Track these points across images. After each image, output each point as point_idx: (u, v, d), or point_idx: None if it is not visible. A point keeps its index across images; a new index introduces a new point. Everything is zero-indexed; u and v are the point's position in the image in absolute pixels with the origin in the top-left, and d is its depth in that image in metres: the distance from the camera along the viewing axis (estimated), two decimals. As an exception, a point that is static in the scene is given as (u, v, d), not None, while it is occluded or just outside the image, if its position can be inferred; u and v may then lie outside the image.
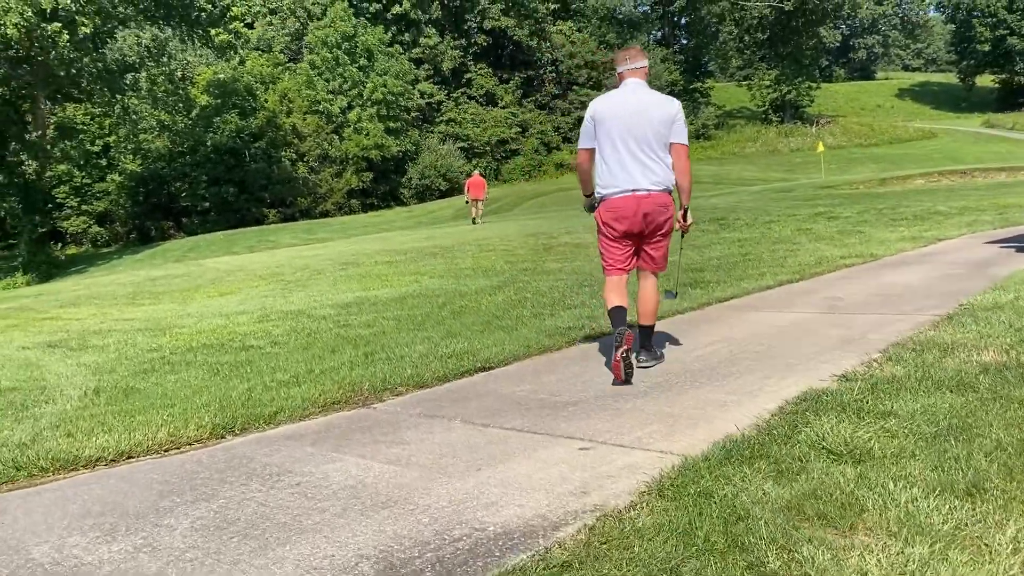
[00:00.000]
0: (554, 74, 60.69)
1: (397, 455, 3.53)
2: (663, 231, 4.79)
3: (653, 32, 70.18)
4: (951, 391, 3.61)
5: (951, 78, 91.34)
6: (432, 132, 53.15)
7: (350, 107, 47.16)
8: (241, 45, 39.25)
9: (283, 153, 45.00)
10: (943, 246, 10.21)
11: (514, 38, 56.52)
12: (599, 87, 59.08)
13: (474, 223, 26.76)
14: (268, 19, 51.43)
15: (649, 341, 4.97)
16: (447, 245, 18.25)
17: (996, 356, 4.15)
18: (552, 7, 59.93)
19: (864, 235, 12.66)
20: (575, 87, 59.45)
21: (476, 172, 31.37)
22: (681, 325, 6.17)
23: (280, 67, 48.27)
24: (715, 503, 2.60)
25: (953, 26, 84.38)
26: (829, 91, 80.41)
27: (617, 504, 2.73)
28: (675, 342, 5.56)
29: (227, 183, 43.32)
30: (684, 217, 4.93)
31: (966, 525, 2.34)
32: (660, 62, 61.33)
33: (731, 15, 68.65)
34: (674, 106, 4.73)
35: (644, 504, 2.68)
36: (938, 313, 5.68)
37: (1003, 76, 77.16)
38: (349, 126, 46.57)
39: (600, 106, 4.78)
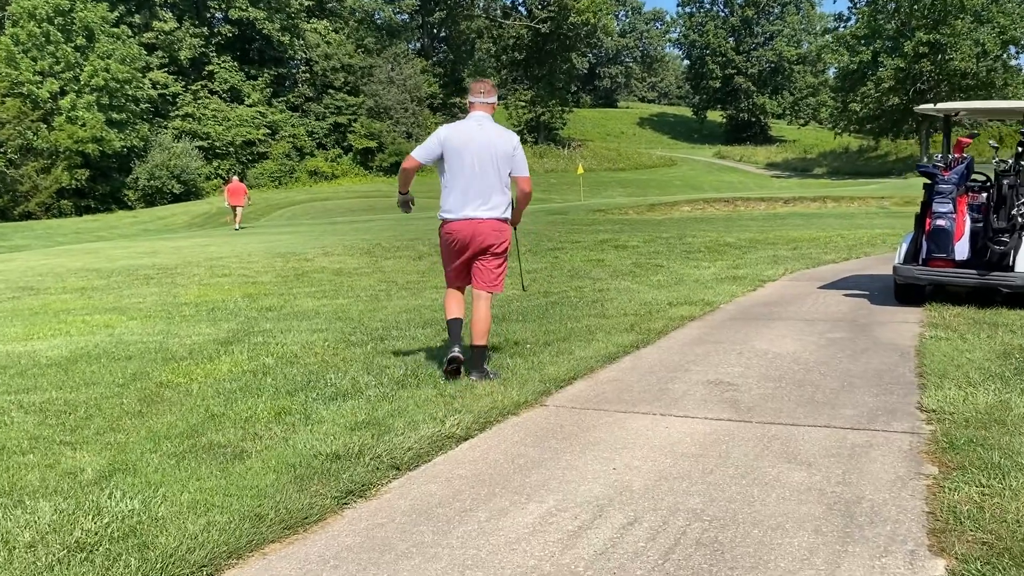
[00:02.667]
0: (308, 74, 56.76)
1: None
2: (496, 251, 5.02)
3: (413, 42, 68.30)
4: None
5: (685, 111, 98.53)
6: (165, 128, 47.25)
7: (63, 92, 40.42)
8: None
9: (-28, 141, 37.45)
10: (776, 292, 8.76)
11: (264, 31, 51.98)
12: (357, 92, 56.09)
13: (236, 230, 26.62)
14: (-42, -20, 43.06)
15: (480, 361, 5.11)
16: (170, 265, 14.66)
17: None
18: (306, 3, 56.06)
19: (666, 271, 11.14)
20: (331, 90, 55.95)
21: (235, 178, 31.08)
22: (526, 449, 3.77)
23: (-28, 39, 40.33)
24: None
25: (688, 63, 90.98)
26: (579, 115, 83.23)
27: None
28: (533, 492, 3.15)
29: None
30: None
31: None
32: (420, 73, 59.59)
33: (489, 32, 68.59)
34: (513, 141, 5.08)
35: None
36: (904, 427, 3.80)
37: (730, 112, 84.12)
38: (61, 114, 39.84)
39: (450, 133, 5.07)
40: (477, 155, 4.90)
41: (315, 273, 12.72)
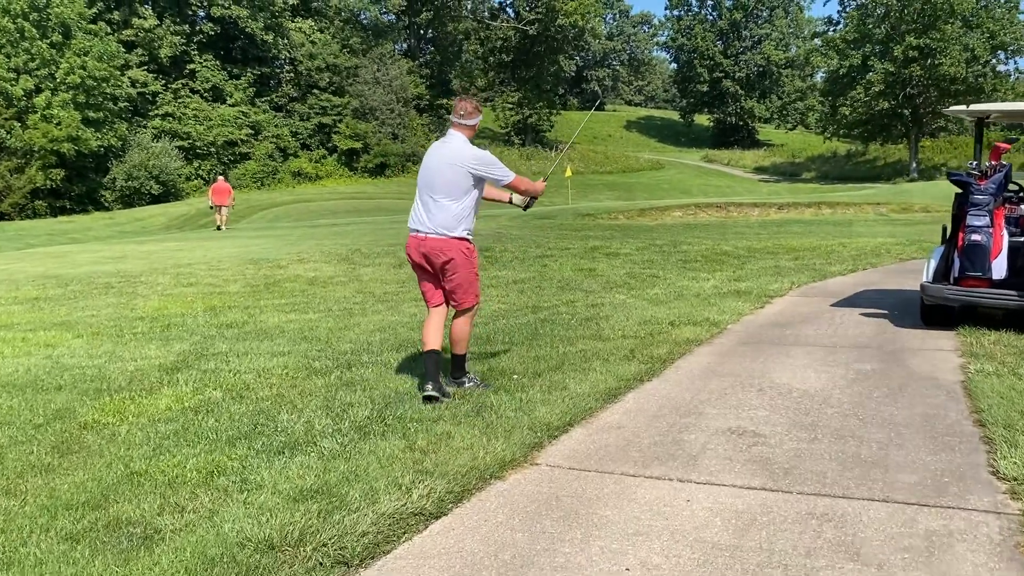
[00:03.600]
0: (292, 74, 55.71)
1: None
2: (450, 272, 4.95)
3: (399, 43, 67.35)
4: None
5: (672, 114, 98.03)
6: (145, 127, 46.10)
7: (38, 90, 39.27)
8: None
9: (-58, 139, 36.25)
10: (786, 310, 8.02)
11: (247, 30, 50.89)
12: (342, 93, 55.13)
13: (219, 229, 26.66)
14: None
15: (457, 369, 5.11)
16: (135, 272, 13.79)
17: None
18: (291, 2, 55.02)
19: (663, 282, 10.40)
20: (315, 90, 54.92)
21: (220, 178, 30.74)
22: (513, 535, 2.99)
23: (-56, 34, 39.07)
24: None
25: (676, 66, 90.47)
26: (566, 118, 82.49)
27: None
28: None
29: None
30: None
31: None
32: (406, 74, 58.68)
33: (477, 34, 67.79)
34: (465, 158, 4.94)
35: None
36: (984, 503, 3.07)
37: (717, 115, 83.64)
38: (36, 112, 38.68)
39: (428, 150, 5.26)
40: (429, 171, 5.01)
41: (287, 282, 11.90)
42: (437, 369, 4.87)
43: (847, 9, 63.73)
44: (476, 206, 5.07)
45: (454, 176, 4.90)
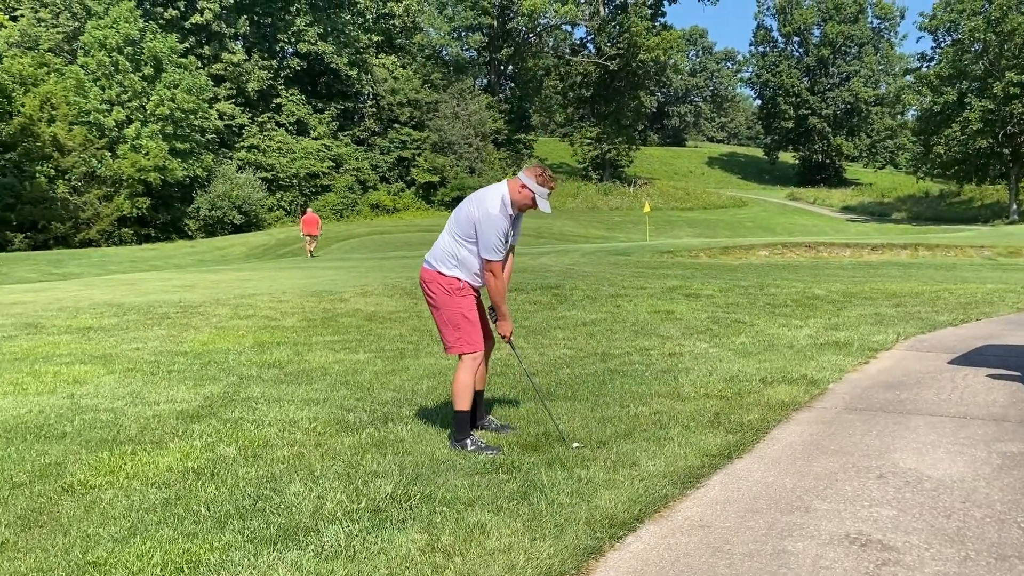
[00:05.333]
0: (374, 109, 56.45)
1: None
2: (432, 307, 4.82)
3: (479, 78, 67.76)
4: None
5: (756, 151, 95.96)
6: (230, 158, 47.13)
7: (129, 121, 40.52)
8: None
9: (39, 168, 37.57)
10: (896, 366, 6.94)
11: (332, 66, 51.87)
12: (422, 127, 55.53)
13: (312, 256, 28.85)
14: (36, 11, 43.88)
15: (458, 429, 4.56)
16: (197, 302, 13.44)
17: None
18: (376, 39, 55.93)
19: (750, 329, 9.38)
20: (396, 124, 55.47)
21: (309, 209, 33.46)
22: None
23: (45, 68, 40.77)
24: None
25: (760, 102, 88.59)
26: (645, 153, 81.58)
27: None
28: None
29: (-40, 199, 35.48)
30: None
31: None
32: (485, 109, 58.81)
33: (557, 69, 67.68)
34: (484, 204, 4.64)
35: None
36: None
37: (803, 153, 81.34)
38: (126, 142, 39.87)
39: None
40: (461, 204, 4.90)
41: (345, 317, 11.31)
42: (477, 409, 4.80)
43: (942, 45, 61.30)
44: (479, 266, 4.63)
45: (467, 218, 4.66)
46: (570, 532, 3.14)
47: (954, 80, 55.69)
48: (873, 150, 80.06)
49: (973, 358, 7.30)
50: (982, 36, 52.96)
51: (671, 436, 4.56)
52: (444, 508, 3.41)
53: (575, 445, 4.41)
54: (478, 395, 4.83)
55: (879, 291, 13.04)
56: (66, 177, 38.60)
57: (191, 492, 3.78)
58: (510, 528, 3.18)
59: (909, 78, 65.73)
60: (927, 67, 62.62)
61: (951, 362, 7.06)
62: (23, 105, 37.88)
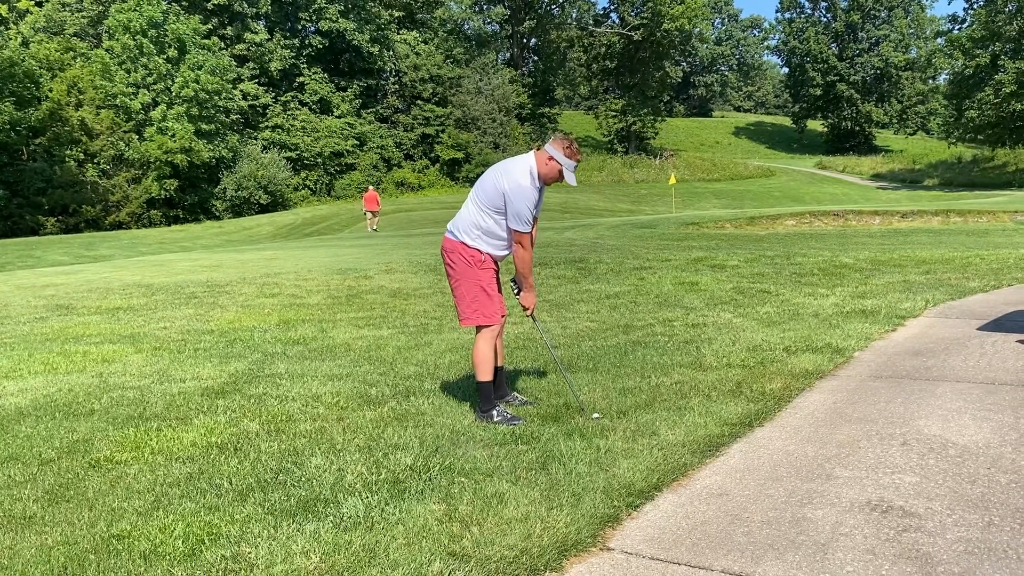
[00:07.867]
0: (397, 86, 56.33)
1: None
2: (450, 277, 4.78)
3: (502, 52, 67.30)
4: None
5: (784, 120, 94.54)
6: (255, 139, 47.36)
7: (154, 104, 40.82)
8: (13, 20, 32.50)
9: (68, 152, 38.04)
10: (923, 333, 6.84)
11: (353, 43, 51.76)
12: (445, 103, 55.34)
13: (374, 231, 31.09)
14: (60, -4, 44.21)
15: (484, 399, 4.56)
16: (224, 281, 13.58)
17: None
18: (396, 15, 55.69)
19: (775, 299, 9.29)
20: (419, 101, 55.35)
21: (371, 187, 36.47)
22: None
23: (71, 53, 41.12)
24: None
25: (788, 70, 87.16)
26: (671, 125, 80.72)
27: None
28: None
29: (-6, 184, 36.02)
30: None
31: None
32: (509, 83, 58.44)
33: (580, 41, 67.01)
34: (510, 175, 4.51)
35: None
36: None
37: (832, 120, 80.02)
38: (152, 125, 40.20)
39: None
40: (485, 173, 4.78)
41: (369, 294, 11.36)
42: (500, 384, 4.80)
43: (974, 6, 59.78)
44: (503, 236, 4.59)
45: (493, 187, 4.55)
46: (587, 501, 3.14)
47: (987, 42, 54.37)
48: (904, 116, 78.51)
49: (1003, 324, 7.18)
50: (1016, -5, 51.65)
51: (691, 406, 4.54)
52: (462, 479, 3.43)
53: (595, 416, 4.41)
54: (498, 371, 4.82)
55: (908, 258, 12.83)
56: (95, 161, 39.05)
57: (214, 466, 3.83)
58: (528, 497, 3.19)
59: (940, 41, 64.19)
60: (959, 29, 61.09)
61: (980, 328, 6.95)
62: (51, 90, 38.30)
